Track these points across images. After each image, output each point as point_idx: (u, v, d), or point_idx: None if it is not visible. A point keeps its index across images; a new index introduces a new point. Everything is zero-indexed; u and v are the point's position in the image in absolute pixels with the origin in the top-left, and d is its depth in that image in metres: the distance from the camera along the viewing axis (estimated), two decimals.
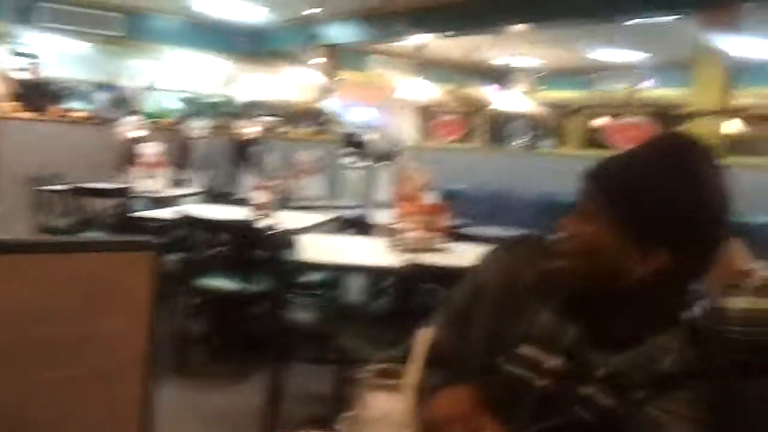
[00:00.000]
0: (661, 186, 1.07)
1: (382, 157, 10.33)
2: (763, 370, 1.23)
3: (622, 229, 1.08)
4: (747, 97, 7.01)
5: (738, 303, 1.28)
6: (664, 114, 6.84)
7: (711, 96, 6.43)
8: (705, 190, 1.08)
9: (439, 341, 1.23)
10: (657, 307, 1.12)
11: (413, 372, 1.04)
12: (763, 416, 1.18)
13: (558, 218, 1.19)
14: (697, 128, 6.42)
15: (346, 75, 10.97)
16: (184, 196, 5.74)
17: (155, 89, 9.87)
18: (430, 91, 11.60)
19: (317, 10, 9.26)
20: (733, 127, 7.25)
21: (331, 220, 4.61)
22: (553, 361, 1.16)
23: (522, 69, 12.05)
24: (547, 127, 10.37)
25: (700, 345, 1.13)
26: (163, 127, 8.06)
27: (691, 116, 6.48)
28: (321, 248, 3.41)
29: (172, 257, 4.24)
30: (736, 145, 8.00)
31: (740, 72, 6.86)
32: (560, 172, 7.17)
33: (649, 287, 1.08)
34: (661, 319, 1.12)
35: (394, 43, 10.49)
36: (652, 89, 10.28)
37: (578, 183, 1.18)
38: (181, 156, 7.54)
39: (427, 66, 11.77)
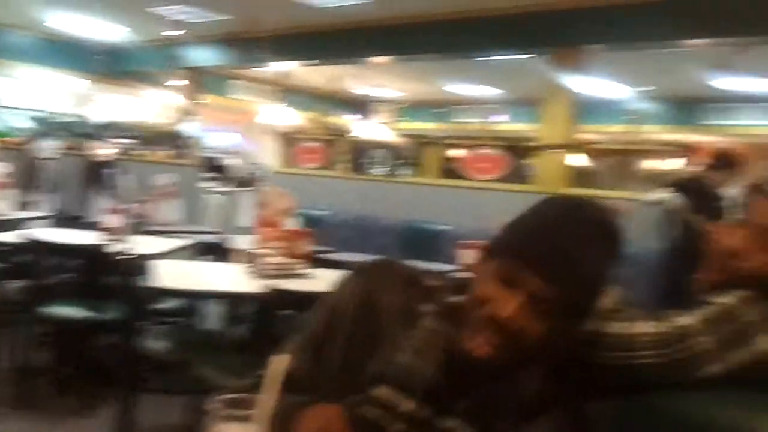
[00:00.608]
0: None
1: (244, 182, 10.21)
2: (634, 390, 1.30)
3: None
4: (590, 132, 7.47)
5: (612, 327, 1.34)
6: (516, 147, 7.17)
7: (558, 131, 6.81)
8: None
9: (294, 368, 1.22)
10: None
11: (266, 401, 1.01)
12: None
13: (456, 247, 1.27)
14: (545, 161, 6.78)
15: (207, 98, 10.80)
16: (31, 219, 5.44)
17: (3, 107, 9.34)
18: (292, 117, 11.61)
19: (179, 32, 9.09)
20: (578, 160, 7.68)
21: (189, 246, 4.51)
22: (409, 405, 1.16)
23: (383, 100, 12.30)
24: (407, 157, 10.62)
25: (566, 371, 1.18)
26: (10, 146, 7.63)
27: (540, 149, 6.83)
28: (177, 274, 3.32)
29: (15, 284, 4.00)
30: (581, 177, 8.49)
31: (585, 109, 7.32)
32: (419, 200, 7.41)
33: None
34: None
35: (258, 69, 10.45)
36: (504, 123, 10.78)
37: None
38: (28, 177, 7.15)
39: (290, 93, 11.79)
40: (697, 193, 5.97)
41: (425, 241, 6.34)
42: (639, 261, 5.84)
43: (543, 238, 1.13)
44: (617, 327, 1.32)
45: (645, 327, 1.32)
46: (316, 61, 9.25)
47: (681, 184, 6.20)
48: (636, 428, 1.27)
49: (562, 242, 1.11)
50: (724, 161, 6.37)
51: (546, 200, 1.19)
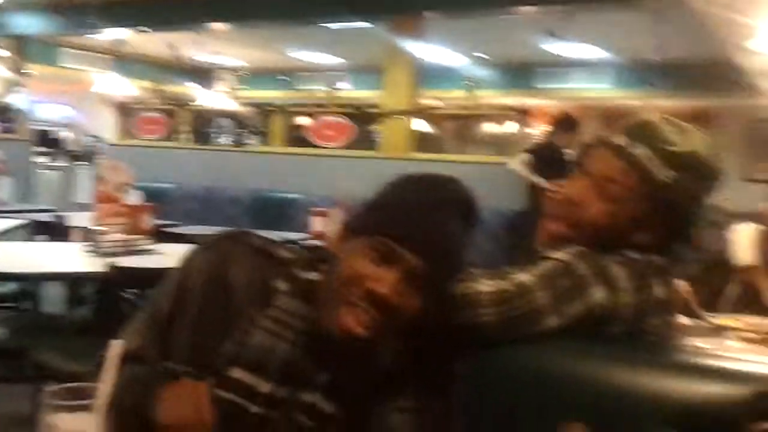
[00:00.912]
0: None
1: (79, 156, 9.71)
2: (481, 348, 1.37)
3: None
4: (432, 98, 7.66)
5: (457, 289, 1.40)
6: (360, 114, 7.24)
7: (401, 97, 6.93)
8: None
9: (137, 349, 1.18)
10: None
11: (104, 388, 0.95)
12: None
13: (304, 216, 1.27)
14: (389, 127, 6.90)
15: (35, 69, 10.14)
16: None
17: None
18: (129, 87, 11.13)
19: None
20: (421, 126, 7.87)
21: (22, 226, 4.26)
22: (265, 387, 1.17)
23: (224, 68, 12.02)
24: (252, 126, 10.46)
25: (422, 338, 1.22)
26: None
27: (384, 116, 6.94)
28: (10, 257, 3.14)
29: None
30: (424, 142, 8.70)
31: (425, 76, 7.48)
32: (267, 170, 7.35)
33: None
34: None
35: (90, 37, 9.91)
36: (348, 90, 10.83)
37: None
38: None
39: (126, 61, 11.28)
40: (549, 156, 6.32)
41: (275, 211, 6.31)
42: (489, 223, 6.12)
43: (413, 215, 1.19)
44: (461, 287, 1.39)
45: (485, 286, 1.39)
46: (151, 28, 8.89)
47: (534, 149, 6.53)
48: (483, 385, 1.34)
49: (432, 218, 1.19)
50: (568, 124, 6.76)
51: (406, 177, 1.26)
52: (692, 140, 1.47)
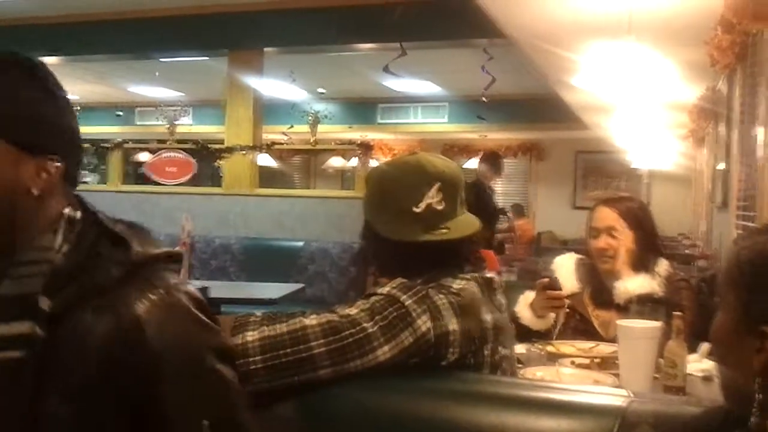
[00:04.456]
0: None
1: None
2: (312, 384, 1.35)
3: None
4: (274, 133, 7.65)
5: (248, 336, 1.39)
6: (203, 149, 7.11)
7: (243, 132, 6.88)
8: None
9: None
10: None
11: None
12: None
13: None
14: (232, 162, 6.82)
15: None
16: None
17: None
18: None
19: None
20: (265, 160, 7.83)
21: None
22: None
23: None
24: (88, 163, 10.02)
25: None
26: None
27: (226, 152, 6.85)
28: None
29: None
30: (269, 177, 8.66)
31: (268, 111, 7.47)
32: (104, 208, 7.02)
33: None
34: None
35: None
36: (189, 125, 10.63)
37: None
38: None
39: None
40: (480, 194, 6.67)
41: None
42: (328, 255, 6.15)
43: None
44: (291, 323, 1.39)
45: (312, 320, 1.41)
46: None
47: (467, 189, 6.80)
48: (313, 423, 1.34)
49: None
50: (495, 161, 7.14)
51: None
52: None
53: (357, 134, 9.95)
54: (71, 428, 1.06)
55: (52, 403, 1.05)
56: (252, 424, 1.16)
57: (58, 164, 1.13)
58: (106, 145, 7.47)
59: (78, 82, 10.09)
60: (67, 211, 1.15)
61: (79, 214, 1.16)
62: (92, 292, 1.09)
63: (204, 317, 1.15)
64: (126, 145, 7.66)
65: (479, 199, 6.86)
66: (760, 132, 3.80)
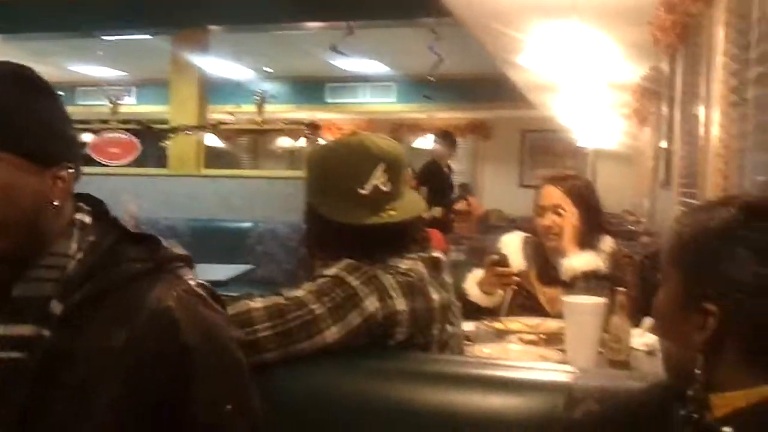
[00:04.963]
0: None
1: None
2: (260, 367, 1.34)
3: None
4: (220, 113, 7.55)
5: (233, 308, 1.37)
6: (147, 129, 6.98)
7: (189, 112, 6.76)
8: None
9: None
10: None
11: None
12: None
13: None
14: (178, 143, 6.71)
15: None
16: None
17: None
18: None
19: None
20: (211, 141, 7.73)
21: None
22: None
23: None
24: None
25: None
26: None
27: (171, 132, 6.73)
28: None
29: None
30: (216, 158, 8.55)
31: (213, 90, 7.36)
32: None
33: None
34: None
35: None
36: (133, 105, 10.42)
37: None
38: None
39: None
40: (437, 175, 6.71)
41: None
42: (280, 236, 6.10)
43: None
44: (236, 306, 1.38)
45: (258, 302, 1.39)
46: None
47: (423, 171, 6.86)
48: (261, 407, 1.33)
49: None
50: (449, 140, 7.15)
51: None
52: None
53: (305, 114, 9.88)
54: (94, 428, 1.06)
55: (58, 403, 1.06)
56: (259, 403, 1.20)
57: (71, 170, 1.14)
58: None
59: (16, 61, 9.80)
60: (78, 216, 1.16)
61: (88, 219, 1.17)
62: (112, 290, 1.10)
63: (222, 309, 1.20)
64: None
65: (438, 178, 6.89)
66: (700, 111, 3.87)
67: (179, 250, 1.20)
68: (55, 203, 1.11)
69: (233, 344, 1.18)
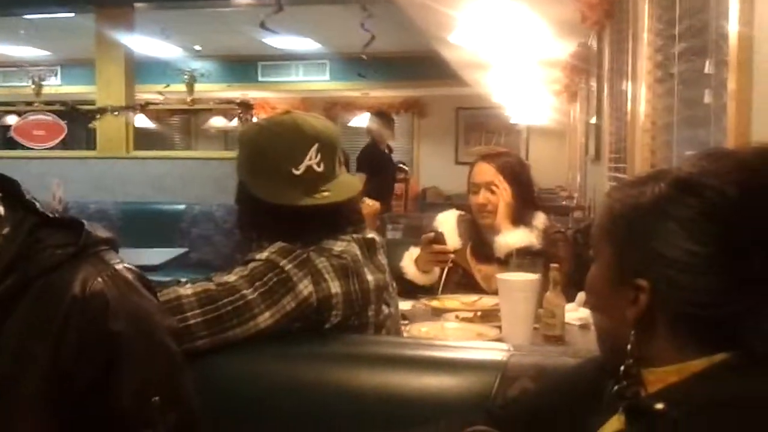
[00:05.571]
0: None
1: None
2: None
3: None
4: (149, 93, 7.36)
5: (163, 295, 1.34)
6: (72, 110, 6.76)
7: (115, 92, 6.57)
8: None
9: None
10: None
11: None
12: None
13: None
14: (106, 124, 6.52)
15: None
16: None
17: None
18: None
19: None
20: (140, 121, 7.52)
21: None
22: None
23: None
24: None
25: None
26: None
27: (99, 112, 6.54)
28: None
29: None
30: (145, 138, 8.35)
31: (140, 69, 7.15)
32: None
33: None
34: None
35: None
36: (57, 86, 10.09)
37: None
38: None
39: None
40: (376, 155, 6.67)
41: None
42: (214, 218, 6.00)
43: None
44: (165, 294, 1.34)
45: (188, 289, 1.36)
46: None
47: (364, 153, 6.81)
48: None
49: None
50: (385, 119, 7.08)
51: None
52: None
53: (237, 93, 9.72)
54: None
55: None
56: (193, 394, 1.16)
57: None
58: None
59: None
60: None
61: (1, 209, 1.09)
62: (34, 280, 1.04)
63: (152, 295, 1.15)
64: None
65: (377, 161, 6.87)
66: (628, 87, 3.94)
67: (102, 232, 1.14)
68: None
69: (163, 332, 1.14)
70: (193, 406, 1.16)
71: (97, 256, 1.10)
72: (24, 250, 1.07)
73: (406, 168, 9.63)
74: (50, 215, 1.12)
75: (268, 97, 12.44)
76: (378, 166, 6.79)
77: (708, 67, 2.32)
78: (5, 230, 1.08)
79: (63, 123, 6.74)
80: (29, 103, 7.17)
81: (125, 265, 1.13)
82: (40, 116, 6.86)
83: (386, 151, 7.30)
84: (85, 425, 1.06)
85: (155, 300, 1.18)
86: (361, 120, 10.50)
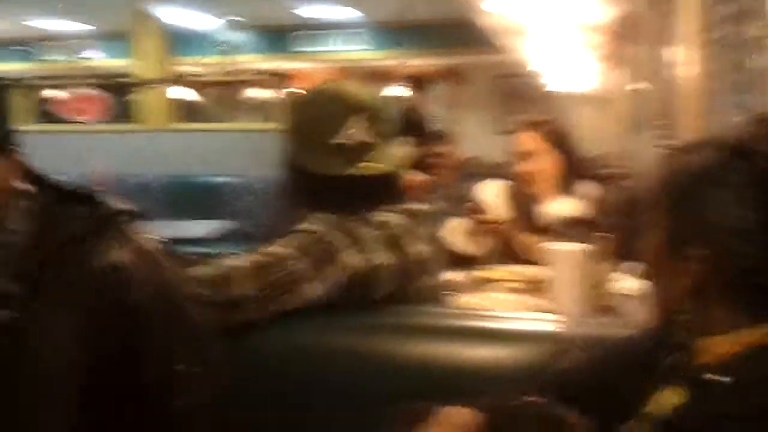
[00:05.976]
0: None
1: None
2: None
3: None
4: (187, 65, 7.37)
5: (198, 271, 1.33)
6: (113, 84, 6.82)
7: (154, 65, 6.60)
8: None
9: None
10: None
11: None
12: None
13: None
14: (146, 97, 6.57)
15: None
16: None
17: None
18: None
19: None
20: (181, 94, 7.55)
21: None
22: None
23: None
24: None
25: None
26: None
27: (138, 86, 6.58)
28: None
29: None
30: (187, 110, 8.39)
31: (178, 41, 7.17)
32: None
33: None
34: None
35: None
36: (96, 60, 10.17)
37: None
38: None
39: None
40: (416, 120, 6.61)
41: None
42: (255, 191, 6.02)
43: None
44: (215, 266, 1.34)
45: (238, 261, 1.35)
46: None
47: (404, 117, 6.75)
48: (246, 365, 1.30)
49: None
50: (420, 84, 7.01)
51: None
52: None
53: (271, 64, 9.69)
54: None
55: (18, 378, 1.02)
56: (220, 363, 1.16)
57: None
58: (8, 83, 7.09)
59: None
60: (18, 185, 1.07)
61: (31, 187, 1.09)
62: (58, 251, 1.04)
63: (176, 265, 1.16)
64: (32, 83, 7.29)
65: (415, 126, 6.81)
66: (676, 52, 3.84)
67: (122, 204, 1.13)
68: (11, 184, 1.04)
69: (187, 302, 1.14)
70: (221, 375, 1.16)
71: (117, 229, 1.09)
72: (44, 225, 1.06)
73: (446, 136, 9.55)
74: (68, 189, 1.12)
75: (305, 67, 12.40)
76: (414, 129, 6.75)
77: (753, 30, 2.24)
78: (24, 205, 1.07)
79: (106, 96, 6.80)
80: (70, 77, 7.24)
81: (148, 236, 1.13)
82: (84, 90, 6.94)
83: (426, 116, 7.25)
84: (110, 395, 1.06)
85: (178, 270, 1.18)
86: (396, 90, 10.43)
